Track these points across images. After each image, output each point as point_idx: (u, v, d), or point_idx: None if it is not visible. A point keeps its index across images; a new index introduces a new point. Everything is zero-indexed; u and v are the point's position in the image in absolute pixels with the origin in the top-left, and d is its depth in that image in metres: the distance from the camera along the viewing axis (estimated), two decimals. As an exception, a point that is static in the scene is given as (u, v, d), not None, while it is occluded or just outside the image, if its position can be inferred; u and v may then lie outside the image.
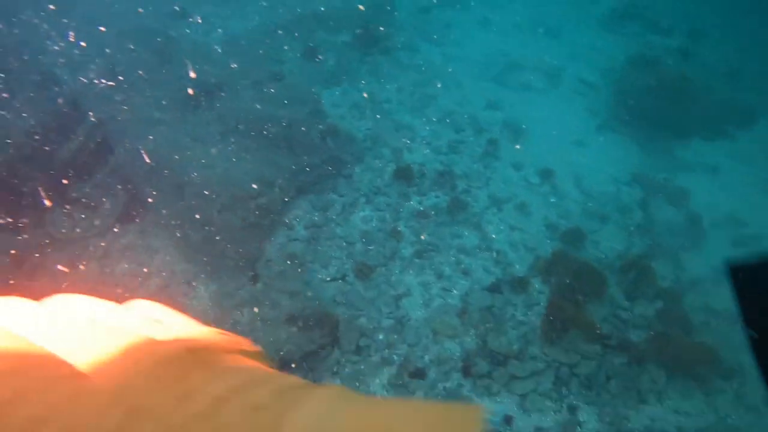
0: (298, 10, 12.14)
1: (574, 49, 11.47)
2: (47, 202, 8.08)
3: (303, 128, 7.92)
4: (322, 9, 11.98)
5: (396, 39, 11.47)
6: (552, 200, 8.04)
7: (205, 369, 0.42)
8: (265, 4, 12.67)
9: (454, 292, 6.74)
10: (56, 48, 9.95)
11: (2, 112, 7.53)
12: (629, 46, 11.62)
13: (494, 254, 7.27)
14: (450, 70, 10.80)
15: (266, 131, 7.84)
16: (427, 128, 9.28)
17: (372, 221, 7.62)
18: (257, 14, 12.28)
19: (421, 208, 7.82)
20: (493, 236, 7.51)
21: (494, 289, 6.66)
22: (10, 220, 7.62)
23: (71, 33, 10.30)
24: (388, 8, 12.18)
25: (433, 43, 11.68)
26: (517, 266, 7.07)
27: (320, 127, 8.13)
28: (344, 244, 7.33)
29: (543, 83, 10.54)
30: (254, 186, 7.17)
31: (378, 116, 9.40)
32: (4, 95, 7.76)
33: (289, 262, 7.09)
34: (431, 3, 13.15)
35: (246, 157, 7.55)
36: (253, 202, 7.09)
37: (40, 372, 0.39)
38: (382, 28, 11.44)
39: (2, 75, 7.80)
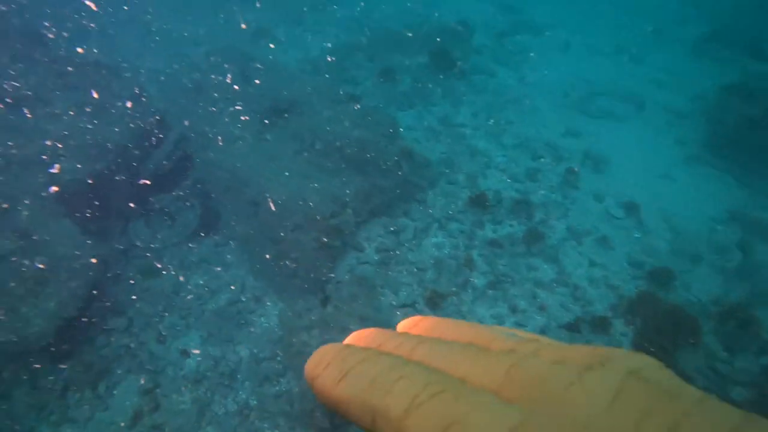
0: (375, 32, 12.28)
1: (660, 76, 10.87)
2: (131, 212, 8.46)
3: (377, 150, 7.87)
4: (399, 31, 12.05)
5: (472, 63, 11.33)
6: (636, 236, 7.52)
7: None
8: (341, 25, 12.93)
9: (528, 328, 6.36)
10: (147, 66, 10.55)
11: (97, 125, 8.01)
12: (724, 72, 10.88)
13: (573, 290, 6.84)
14: (527, 95, 10.52)
15: (341, 152, 7.85)
16: (503, 154, 9.01)
17: (444, 248, 7.40)
18: (334, 36, 12.55)
19: (496, 237, 7.53)
20: (572, 271, 7.09)
21: (572, 327, 6.23)
22: (98, 226, 8.02)
23: (161, 52, 10.90)
24: (465, 32, 12.09)
25: (509, 67, 11.44)
26: (598, 304, 6.61)
27: (395, 149, 8.05)
28: (415, 270, 7.15)
29: (626, 111, 10.02)
30: (328, 207, 7.15)
31: (453, 140, 9.23)
32: (99, 109, 8.25)
33: (359, 286, 6.99)
34: (508, 27, 12.95)
35: (320, 177, 7.57)
36: (325, 223, 7.06)
37: None
38: (457, 52, 11.34)
39: (98, 90, 8.29)
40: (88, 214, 7.79)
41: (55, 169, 7.26)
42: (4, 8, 9.10)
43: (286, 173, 7.66)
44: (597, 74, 11.04)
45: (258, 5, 13.04)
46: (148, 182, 8.34)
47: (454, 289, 6.93)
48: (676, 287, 6.81)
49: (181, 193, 8.45)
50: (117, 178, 8.19)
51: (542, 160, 8.89)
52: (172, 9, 13.03)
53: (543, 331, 6.21)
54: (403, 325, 0.57)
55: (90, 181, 7.70)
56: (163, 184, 8.52)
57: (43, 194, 7.21)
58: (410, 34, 11.89)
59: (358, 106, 8.73)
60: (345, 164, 7.78)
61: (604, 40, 12.34)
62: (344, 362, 0.46)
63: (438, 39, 11.63)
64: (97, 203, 7.93)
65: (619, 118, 9.88)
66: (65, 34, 9.21)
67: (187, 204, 8.56)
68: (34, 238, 6.94)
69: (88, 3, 11.46)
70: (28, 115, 7.79)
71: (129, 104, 8.56)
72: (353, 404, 0.43)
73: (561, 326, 6.25)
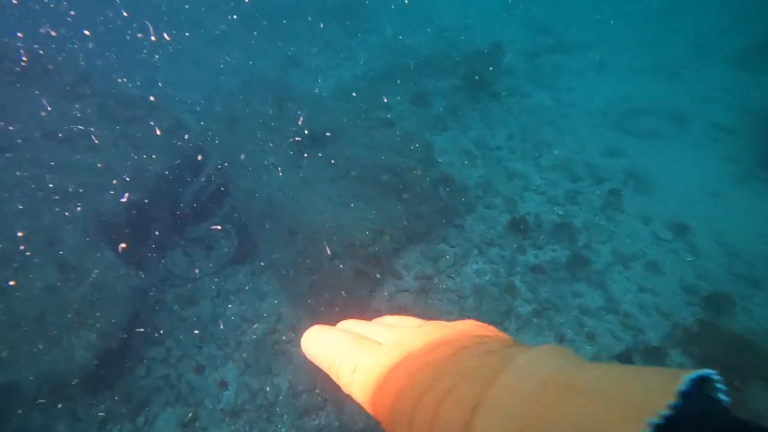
0: (406, 57, 12.32)
1: (703, 91, 10.48)
2: (170, 242, 8.55)
3: (413, 176, 7.76)
4: (430, 55, 12.05)
5: (505, 84, 11.20)
6: (688, 259, 7.14)
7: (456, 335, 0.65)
8: (373, 51, 13.04)
9: (580, 360, 6.03)
10: (184, 97, 10.82)
11: (137, 156, 8.16)
12: (774, 87, 10.45)
13: (622, 317, 6.50)
14: (563, 115, 10.30)
15: (376, 178, 7.77)
16: (542, 177, 8.78)
17: (485, 275, 7.18)
18: (365, 62, 12.64)
19: (538, 263, 7.26)
20: (620, 297, 6.75)
21: (625, 358, 5.88)
22: (137, 256, 8.12)
23: (198, 83, 11.17)
24: (497, 54, 12.00)
25: (544, 88, 11.26)
26: (650, 333, 6.25)
27: (431, 174, 7.93)
28: (456, 297, 6.94)
29: (669, 129, 9.67)
30: (365, 234, 7.04)
31: (489, 164, 9.06)
32: (139, 140, 8.43)
33: (397, 309, 6.80)
34: (540, 48, 12.81)
35: (356, 204, 7.49)
36: (363, 251, 6.95)
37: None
38: (491, 74, 11.23)
39: (141, 124, 8.48)
40: (127, 244, 7.89)
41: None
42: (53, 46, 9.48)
43: (324, 197, 7.62)
44: (635, 92, 10.74)
45: (289, 35, 13.32)
46: (186, 212, 8.43)
47: (497, 317, 6.68)
48: (736, 314, 6.40)
49: (218, 222, 8.50)
50: (156, 207, 8.32)
51: (582, 181, 8.61)
52: (207, 41, 13.41)
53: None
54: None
55: (130, 213, 7.83)
56: (201, 214, 8.59)
57: (85, 226, 7.34)
58: (442, 58, 11.87)
59: (392, 132, 8.67)
60: (381, 191, 7.69)
61: (639, 57, 12.05)
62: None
63: (470, 62, 11.56)
64: (136, 233, 8.05)
65: (661, 136, 9.53)
66: (108, 68, 9.54)
67: (224, 233, 8.59)
68: (76, 268, 7.05)
69: (146, 35, 11.90)
70: (71, 150, 8.01)
71: (167, 135, 8.73)
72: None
73: (612, 356, 5.91)
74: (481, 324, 0.70)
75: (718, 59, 11.40)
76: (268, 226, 7.86)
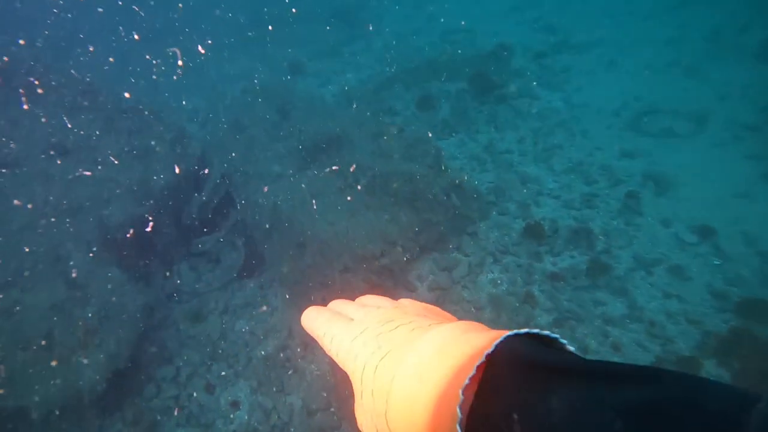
0: (410, 60, 12.11)
1: (722, 88, 10.17)
2: (176, 256, 8.36)
3: (424, 183, 7.53)
4: (435, 58, 11.83)
5: (513, 86, 10.95)
6: (716, 263, 6.85)
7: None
8: (376, 55, 12.84)
9: (605, 372, 5.76)
10: (187, 107, 10.65)
11: (140, 169, 7.98)
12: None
13: (648, 326, 6.23)
14: (575, 117, 10.04)
15: (386, 187, 7.55)
16: (555, 180, 8.53)
17: (502, 284, 6.93)
18: (369, 66, 12.44)
19: (556, 270, 7.01)
20: (645, 304, 6.48)
21: (656, 372, 5.58)
22: (144, 272, 7.93)
23: (200, 92, 11.01)
24: (503, 54, 11.77)
25: (553, 89, 11.01)
26: (680, 342, 5.97)
27: (442, 181, 7.70)
28: (473, 309, 6.69)
29: (688, 128, 9.39)
30: (376, 245, 6.82)
31: (500, 168, 8.82)
32: (142, 153, 8.25)
33: (411, 327, 6.57)
34: (548, 48, 12.57)
35: (367, 214, 7.27)
36: (375, 263, 6.72)
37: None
38: (497, 76, 11.00)
39: (145, 135, 8.31)
40: (134, 260, 7.71)
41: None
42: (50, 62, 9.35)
43: (333, 207, 7.40)
44: (649, 91, 10.46)
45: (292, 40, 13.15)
46: (191, 224, 8.24)
47: (516, 328, 6.41)
48: (769, 320, 6.10)
49: (224, 234, 8.31)
50: (161, 221, 8.14)
51: (598, 184, 8.35)
52: (208, 49, 13.26)
53: (621, 377, 5.61)
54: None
55: (135, 227, 7.65)
56: (206, 226, 8.41)
57: (91, 242, 7.17)
58: (448, 60, 11.66)
59: (400, 138, 8.45)
60: (391, 199, 7.46)
61: (652, 54, 11.75)
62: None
63: (476, 64, 11.34)
64: (142, 248, 7.86)
65: (679, 136, 9.25)
66: (111, 80, 9.38)
67: (231, 246, 8.40)
68: (83, 286, 6.87)
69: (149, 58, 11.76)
70: (75, 165, 7.85)
71: (171, 145, 8.54)
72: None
73: (641, 370, 5.63)
74: (440, 311, 0.89)
75: (737, 54, 11.06)
76: (275, 239, 7.65)
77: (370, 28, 13.60)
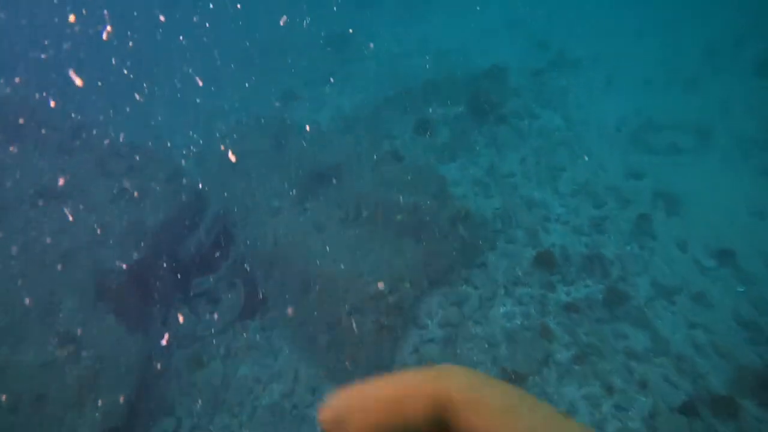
0: (405, 83, 11.93)
1: (723, 102, 10.04)
2: (174, 299, 8.01)
3: (429, 213, 7.27)
4: (431, 79, 11.66)
5: (511, 106, 10.77)
6: (740, 289, 6.59)
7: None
8: (371, 78, 12.66)
9: (633, 412, 5.47)
10: (180, 143, 10.37)
11: (134, 211, 7.67)
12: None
13: (675, 360, 5.93)
14: (576, 135, 9.84)
15: (390, 218, 7.27)
16: (562, 204, 8.29)
17: (516, 318, 6.63)
18: (363, 90, 12.24)
19: (572, 301, 6.72)
20: (669, 336, 6.19)
21: (689, 410, 5.29)
22: (141, 318, 7.57)
23: (193, 126, 10.74)
24: (499, 73, 11.61)
25: (552, 107, 10.83)
26: (712, 378, 5.66)
27: (447, 211, 7.44)
28: (486, 345, 6.38)
29: (692, 144, 9.21)
30: (383, 282, 6.52)
31: (504, 193, 8.57)
32: (138, 193, 7.96)
33: (425, 365, 6.23)
34: (544, 65, 12.43)
35: (371, 248, 6.98)
36: (383, 301, 6.42)
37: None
38: (494, 96, 10.82)
39: (140, 174, 8.02)
40: (130, 307, 7.36)
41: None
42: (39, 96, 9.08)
43: (334, 246, 7.10)
44: (649, 106, 10.30)
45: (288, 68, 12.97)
46: (188, 265, 7.91)
47: (533, 366, 6.11)
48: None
49: (224, 273, 7.98)
50: (157, 264, 7.80)
51: (606, 206, 8.12)
52: (199, 81, 13.05)
53: (652, 417, 5.30)
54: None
55: (131, 271, 7.32)
56: (205, 265, 8.08)
57: (84, 290, 6.82)
58: (443, 82, 11.48)
59: (402, 166, 8.21)
60: (396, 232, 7.18)
61: (650, 70, 11.64)
62: None
63: (473, 84, 11.16)
64: (139, 293, 7.52)
65: (685, 152, 9.06)
66: (101, 118, 9.10)
67: (231, 285, 8.07)
68: (76, 338, 6.51)
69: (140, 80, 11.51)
70: (67, 209, 7.54)
71: (166, 183, 8.25)
72: None
73: (673, 409, 5.33)
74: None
75: (735, 68, 10.99)
76: (277, 277, 7.34)
77: (367, 50, 13.44)
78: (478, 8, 16.75)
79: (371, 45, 13.91)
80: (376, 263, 6.75)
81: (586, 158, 9.19)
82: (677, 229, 7.50)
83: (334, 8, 16.23)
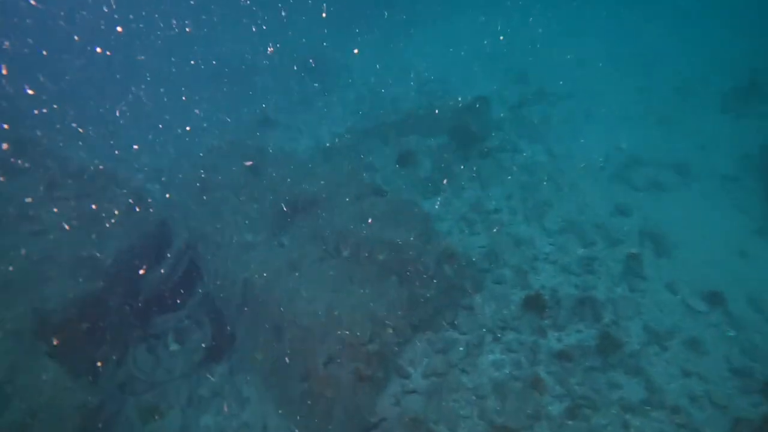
0: (386, 113, 11.65)
1: (697, 139, 10.13)
2: (131, 338, 7.28)
3: (413, 252, 6.85)
4: (412, 111, 11.40)
5: (494, 139, 10.57)
6: (730, 334, 6.35)
7: None
8: (352, 108, 12.34)
9: (634, 474, 5.06)
10: (148, 165, 9.76)
11: (90, 239, 6.97)
12: (761, 127, 10.11)
13: (671, 413, 5.60)
14: (560, 170, 9.65)
15: (372, 257, 6.82)
16: (550, 242, 8.01)
17: (505, 366, 6.21)
18: (343, 120, 11.90)
19: (563, 348, 6.35)
20: (664, 386, 5.87)
21: (691, 472, 4.91)
22: (90, 361, 6.80)
23: (164, 149, 10.15)
24: (481, 106, 11.44)
25: (534, 141, 10.67)
26: (710, 433, 5.33)
27: (431, 249, 7.03)
28: (473, 397, 5.92)
29: (674, 179, 9.14)
30: (364, 327, 6.02)
31: (490, 230, 8.25)
32: (93, 220, 7.26)
33: (407, 421, 5.72)
34: (524, 99, 12.36)
35: (352, 290, 6.49)
36: (363, 349, 5.91)
37: None
38: (477, 128, 10.60)
39: (96, 200, 7.36)
40: (77, 348, 6.59)
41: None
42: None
43: (311, 286, 6.57)
44: (629, 142, 10.27)
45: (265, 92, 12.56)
46: (150, 300, 7.22)
47: (524, 421, 5.67)
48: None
49: (189, 311, 7.33)
50: (113, 297, 7.07)
51: (595, 246, 7.86)
52: (174, 100, 12.50)
53: (655, 482, 4.90)
54: None
55: (81, 307, 6.56)
56: (168, 302, 7.42)
57: (20, 330, 6.05)
58: (424, 113, 11.24)
59: (385, 201, 7.80)
60: (379, 271, 6.72)
61: (625, 105, 11.70)
62: None
63: (455, 116, 10.95)
64: (88, 333, 6.76)
65: (668, 188, 8.97)
66: (58, 136, 8.39)
67: (196, 324, 7.41)
68: (11, 388, 5.73)
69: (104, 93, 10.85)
70: (11, 235, 6.79)
71: (128, 210, 7.59)
72: None
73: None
74: None
75: (704, 106, 11.17)
76: (248, 317, 6.75)
77: (347, 78, 13.17)
78: (457, 39, 16.77)
79: (351, 73, 13.66)
80: (357, 306, 6.26)
81: (571, 194, 8.98)
82: (666, 270, 7.29)
83: (313, 35, 16.02)
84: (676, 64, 13.42)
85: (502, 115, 11.71)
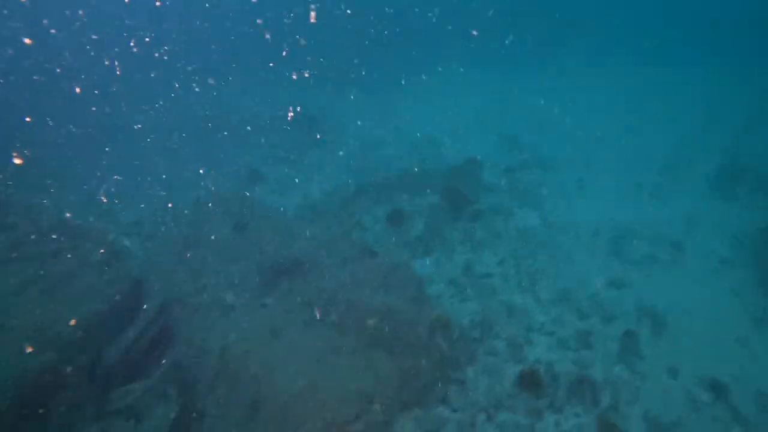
0: (377, 171, 11.52)
1: (689, 215, 10.17)
2: (82, 416, 6.56)
3: (404, 320, 6.47)
4: (403, 169, 11.31)
5: (486, 201, 10.46)
6: (736, 430, 5.99)
7: None
8: (341, 164, 12.21)
9: None
10: (124, 219, 9.30)
11: (51, 303, 6.35)
12: (755, 213, 10.18)
13: None
14: (553, 238, 9.51)
15: (361, 323, 6.41)
16: (544, 312, 7.71)
17: (500, 454, 5.71)
18: (334, 176, 11.72)
19: (562, 434, 5.90)
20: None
21: None
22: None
23: (142, 201, 9.75)
24: (473, 168, 11.41)
25: (527, 206, 10.59)
26: None
27: (423, 317, 6.66)
28: (467, 489, 5.39)
29: (668, 255, 9.03)
30: (349, 403, 5.53)
31: (483, 296, 7.94)
32: (57, 282, 6.68)
33: None
34: (515, 163, 12.42)
35: (338, 361, 6.03)
36: (347, 429, 5.38)
37: None
38: (469, 190, 10.50)
39: (68, 255, 6.87)
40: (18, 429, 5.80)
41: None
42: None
43: (294, 357, 6.09)
44: (622, 214, 10.24)
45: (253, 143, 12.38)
46: (110, 371, 6.57)
47: None
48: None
49: (155, 382, 6.70)
50: (69, 369, 6.32)
51: (590, 319, 7.58)
52: (158, 150, 12.23)
53: None
54: None
55: (29, 386, 5.79)
56: (133, 371, 6.79)
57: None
58: (416, 173, 11.14)
59: (374, 263, 7.46)
60: (367, 340, 6.29)
61: (616, 176, 11.83)
62: None
63: (446, 177, 10.86)
64: (34, 410, 5.97)
65: (662, 264, 8.84)
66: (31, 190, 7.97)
67: (161, 397, 6.75)
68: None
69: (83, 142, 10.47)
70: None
71: (97, 268, 7.07)
72: None
73: None
74: None
75: (696, 182, 11.35)
76: (221, 392, 6.18)
77: (337, 135, 13.12)
78: (449, 97, 17.09)
79: (342, 129, 13.66)
80: (342, 380, 5.78)
81: (566, 264, 8.79)
82: (665, 350, 7.01)
83: (304, 89, 16.16)
84: (661, 137, 13.77)
85: (495, 178, 11.69)
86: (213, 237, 8.04)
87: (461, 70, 19.25)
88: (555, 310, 7.75)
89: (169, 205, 9.20)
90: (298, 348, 6.22)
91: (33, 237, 6.77)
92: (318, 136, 13.05)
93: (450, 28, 20.91)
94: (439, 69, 18.71)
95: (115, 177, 10.21)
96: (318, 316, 6.43)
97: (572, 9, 26.11)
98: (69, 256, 6.86)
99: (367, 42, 18.70)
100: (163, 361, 6.77)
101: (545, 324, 7.50)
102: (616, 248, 9.24)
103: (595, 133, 14.19)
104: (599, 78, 19.07)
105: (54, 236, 6.89)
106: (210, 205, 9.00)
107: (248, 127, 12.66)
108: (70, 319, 6.11)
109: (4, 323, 5.82)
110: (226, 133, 12.50)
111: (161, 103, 13.45)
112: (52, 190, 8.48)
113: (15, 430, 5.30)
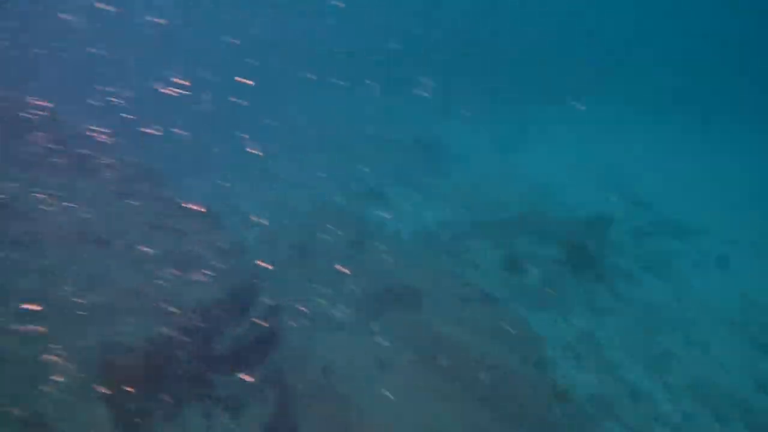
0: (495, 211, 11.06)
1: None
2: (187, 394, 6.72)
3: (521, 382, 5.92)
4: (523, 212, 10.74)
5: (612, 263, 9.59)
6: None
7: None
8: (459, 194, 11.86)
9: None
10: (252, 217, 9.61)
11: (176, 279, 6.64)
12: None
13: None
14: (687, 318, 8.44)
15: (472, 376, 5.96)
16: (673, 403, 6.75)
17: None
18: (451, 208, 11.37)
19: None
20: None
21: None
22: (139, 410, 6.24)
23: (269, 203, 10.03)
24: (599, 224, 10.57)
25: (656, 275, 9.56)
26: None
27: (540, 382, 6.06)
28: None
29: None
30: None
31: (601, 370, 7.14)
32: (186, 260, 6.99)
33: None
34: (646, 225, 11.35)
35: (443, 409, 5.63)
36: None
37: None
38: (593, 248, 9.69)
39: (194, 237, 7.14)
40: (131, 395, 6.06)
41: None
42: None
43: (398, 386, 5.78)
44: (772, 299, 8.89)
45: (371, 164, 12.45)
46: (219, 361, 6.70)
47: None
48: None
49: (256, 381, 6.72)
50: (183, 348, 6.58)
51: (731, 425, 6.51)
52: (285, 151, 12.67)
53: None
54: None
55: (149, 351, 6.09)
56: (236, 366, 6.86)
57: (82, 364, 5.62)
58: (537, 219, 10.53)
59: (491, 310, 7.00)
60: (475, 395, 5.82)
61: (762, 252, 10.36)
62: None
63: (569, 229, 10.14)
64: (148, 379, 6.23)
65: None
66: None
67: (260, 396, 6.74)
68: (46, 426, 5.22)
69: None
70: (105, 257, 6.64)
71: (221, 257, 7.30)
72: None
73: None
74: None
75: None
76: (317, 408, 6.00)
77: (459, 165, 12.84)
78: (573, 146, 16.20)
79: (465, 161, 13.37)
80: (440, 429, 5.35)
81: (701, 351, 7.73)
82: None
83: (429, 114, 16.11)
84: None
85: (622, 239, 10.73)
86: (331, 248, 8.01)
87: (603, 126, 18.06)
88: (687, 406, 6.76)
89: (290, 207, 9.38)
90: (403, 386, 5.89)
91: (168, 212, 7.16)
92: (440, 164, 12.85)
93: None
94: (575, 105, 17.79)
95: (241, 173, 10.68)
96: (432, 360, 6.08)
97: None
98: (199, 239, 7.12)
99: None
100: (266, 361, 6.76)
101: (672, 416, 6.55)
102: (765, 342, 7.98)
103: (739, 199, 12.64)
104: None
105: (187, 217, 7.22)
106: (328, 214, 9.05)
107: (373, 145, 12.77)
108: (191, 295, 6.29)
109: (143, 286, 6.11)
110: (348, 144, 12.71)
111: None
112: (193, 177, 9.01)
113: (134, 387, 5.47)
